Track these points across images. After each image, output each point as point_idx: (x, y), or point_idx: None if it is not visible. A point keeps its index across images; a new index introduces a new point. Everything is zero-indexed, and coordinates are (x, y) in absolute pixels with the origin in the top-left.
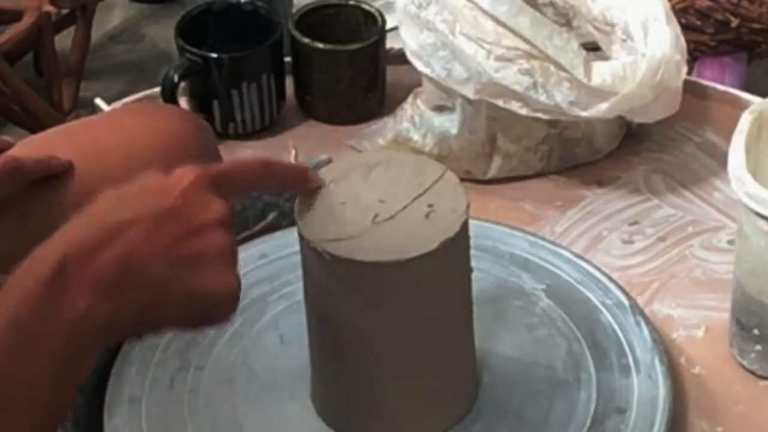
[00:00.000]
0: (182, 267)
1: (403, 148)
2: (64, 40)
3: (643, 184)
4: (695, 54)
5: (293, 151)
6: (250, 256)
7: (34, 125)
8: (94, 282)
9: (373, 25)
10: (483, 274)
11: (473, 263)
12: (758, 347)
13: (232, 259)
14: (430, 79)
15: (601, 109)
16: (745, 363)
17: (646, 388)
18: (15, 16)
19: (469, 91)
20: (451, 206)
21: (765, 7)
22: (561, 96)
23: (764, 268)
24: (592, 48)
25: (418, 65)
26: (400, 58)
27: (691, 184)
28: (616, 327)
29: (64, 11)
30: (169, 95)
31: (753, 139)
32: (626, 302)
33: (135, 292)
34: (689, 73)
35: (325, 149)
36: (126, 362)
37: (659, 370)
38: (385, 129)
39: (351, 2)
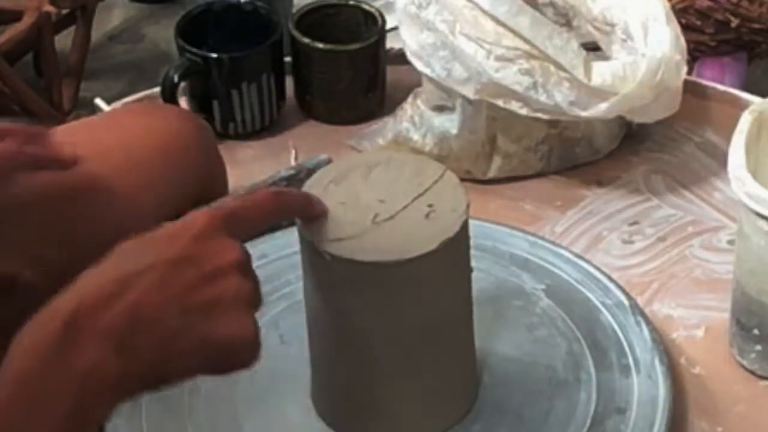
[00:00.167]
0: (196, 315)
1: (403, 148)
2: (64, 40)
3: (643, 184)
4: (695, 54)
5: (293, 151)
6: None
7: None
8: (106, 334)
9: (373, 25)
10: (483, 274)
11: (473, 263)
12: (758, 347)
13: (251, 304)
14: (430, 79)
15: (601, 109)
16: (745, 363)
17: (646, 388)
18: (15, 16)
19: (469, 91)
20: (451, 206)
21: (765, 7)
22: (561, 96)
23: (764, 268)
24: (592, 48)
25: (418, 65)
26: (400, 58)
27: (691, 184)
28: (616, 327)
29: (64, 11)
30: (169, 95)
31: (753, 139)
32: (626, 302)
33: (147, 344)
34: (689, 73)
35: (325, 149)
36: None
37: (659, 370)
38: (385, 129)
39: (351, 2)
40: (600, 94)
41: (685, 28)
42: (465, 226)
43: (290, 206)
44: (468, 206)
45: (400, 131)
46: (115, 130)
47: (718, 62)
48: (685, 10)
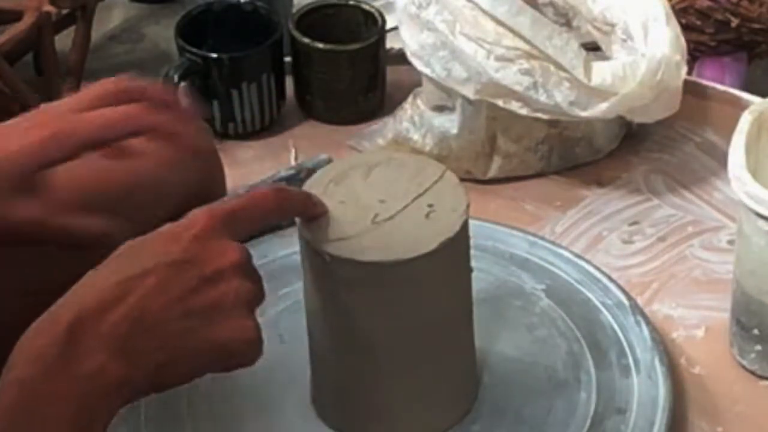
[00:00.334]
0: (197, 318)
1: (403, 148)
2: (64, 40)
3: (643, 184)
4: (695, 54)
5: (293, 151)
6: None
7: None
8: (107, 339)
9: (373, 25)
10: (483, 274)
11: (473, 263)
12: (758, 347)
13: (252, 304)
14: (430, 79)
15: (601, 109)
16: (745, 363)
17: (646, 388)
18: (15, 16)
19: (469, 91)
20: (451, 206)
21: (765, 7)
22: (561, 96)
23: (764, 268)
24: (592, 48)
25: (418, 65)
26: (400, 58)
27: (691, 184)
28: (616, 327)
29: (64, 11)
30: None
31: (753, 139)
32: (626, 302)
33: (149, 347)
34: (689, 73)
35: (325, 149)
36: None
37: (659, 370)
38: (385, 129)
39: (351, 2)
40: (600, 94)
41: (685, 28)
42: (465, 226)
43: (290, 204)
44: (468, 206)
45: (400, 131)
46: None
47: (718, 62)
48: (685, 10)
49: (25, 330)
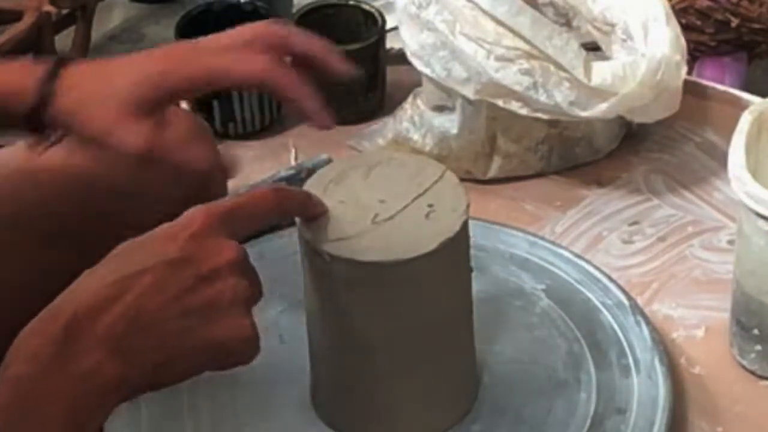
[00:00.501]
0: (194, 317)
1: (403, 148)
2: (64, 40)
3: (643, 184)
4: (695, 54)
5: (293, 151)
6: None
7: None
8: (104, 338)
9: (373, 25)
10: (483, 274)
11: (473, 263)
12: (758, 347)
13: (248, 303)
14: (430, 79)
15: (601, 109)
16: (745, 363)
17: (646, 388)
18: (15, 16)
19: (469, 91)
20: (451, 206)
21: (765, 7)
22: (561, 96)
23: (764, 268)
24: (592, 48)
25: (418, 65)
26: (400, 58)
27: (691, 184)
28: (616, 327)
29: (64, 11)
30: None
31: (753, 139)
32: (626, 302)
33: (146, 346)
34: (689, 73)
35: (325, 149)
36: None
37: (659, 370)
38: (385, 129)
39: (351, 2)
40: (600, 94)
41: (685, 28)
42: (465, 226)
43: (289, 204)
44: (468, 206)
45: (400, 131)
46: None
47: (718, 62)
48: (685, 10)
49: None
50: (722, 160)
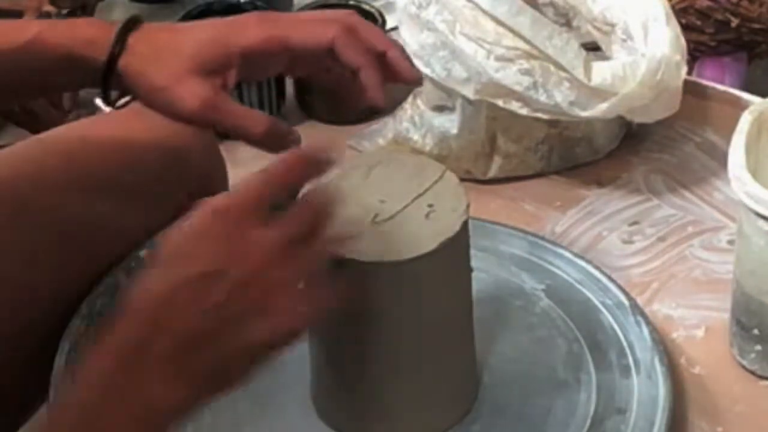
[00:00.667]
0: (241, 323)
1: (403, 148)
2: None
3: (643, 184)
4: (695, 54)
5: None
6: None
7: (34, 125)
8: (162, 365)
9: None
10: (483, 274)
11: (473, 263)
12: (758, 347)
13: (295, 284)
14: (430, 79)
15: (601, 109)
16: (745, 363)
17: (646, 388)
18: (15, 16)
19: (469, 91)
20: (451, 206)
21: (765, 7)
22: (561, 96)
23: (764, 268)
24: (592, 48)
25: (418, 65)
26: None
27: (691, 184)
28: (616, 327)
29: (64, 11)
30: None
31: (753, 139)
32: (626, 302)
33: (203, 362)
34: (689, 73)
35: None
36: None
37: (659, 370)
38: (385, 129)
39: (351, 2)
40: (600, 94)
41: (685, 28)
42: (465, 226)
43: (308, 167)
44: (468, 206)
45: (400, 131)
46: (115, 129)
47: (718, 62)
48: (685, 10)
49: None
50: (722, 160)
